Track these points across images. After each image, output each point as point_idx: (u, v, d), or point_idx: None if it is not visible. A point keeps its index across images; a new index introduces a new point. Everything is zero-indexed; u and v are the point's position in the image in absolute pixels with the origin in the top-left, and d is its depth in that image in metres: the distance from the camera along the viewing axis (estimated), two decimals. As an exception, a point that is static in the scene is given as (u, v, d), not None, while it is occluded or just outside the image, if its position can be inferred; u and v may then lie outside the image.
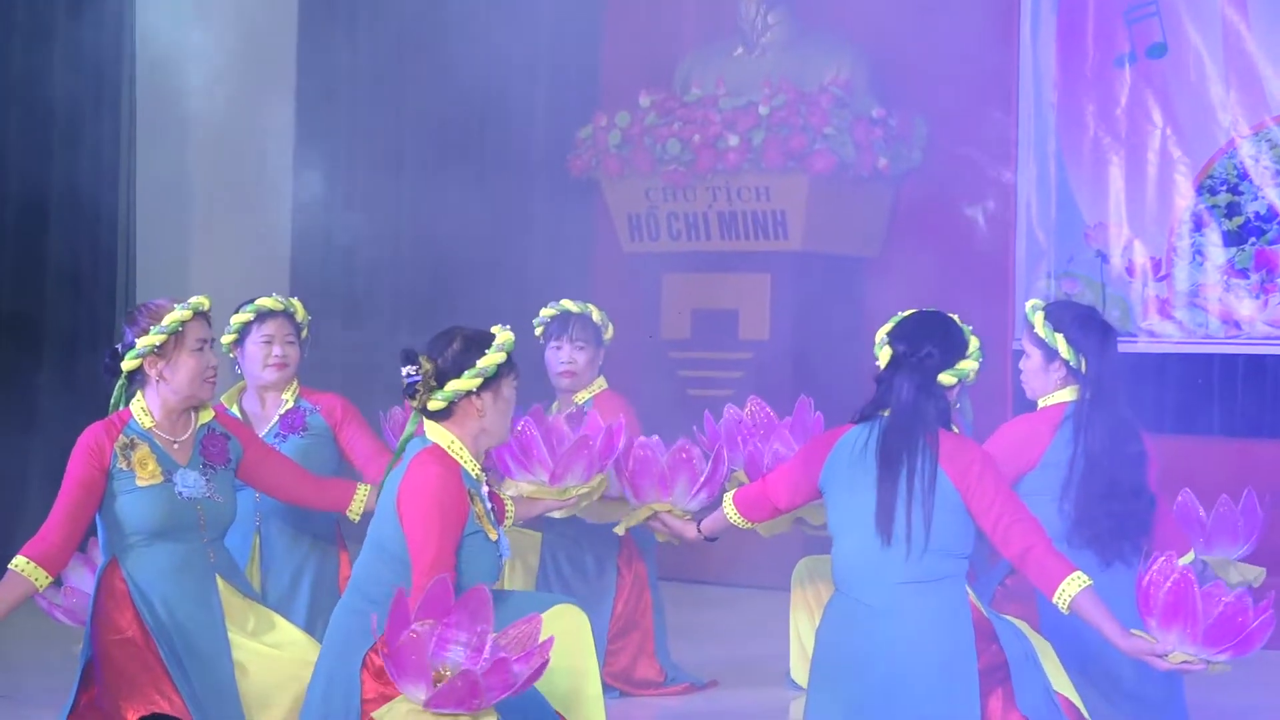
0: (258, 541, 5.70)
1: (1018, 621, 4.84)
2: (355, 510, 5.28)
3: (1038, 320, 5.35)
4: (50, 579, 4.84)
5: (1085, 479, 5.22)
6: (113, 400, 5.06)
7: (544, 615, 4.39)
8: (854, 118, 8.74)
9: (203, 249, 9.19)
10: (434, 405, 4.58)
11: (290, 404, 5.74)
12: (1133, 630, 4.48)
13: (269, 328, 5.74)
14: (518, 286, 9.07)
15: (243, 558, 5.62)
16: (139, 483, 4.88)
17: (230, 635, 4.92)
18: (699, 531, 5.37)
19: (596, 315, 6.36)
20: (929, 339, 4.77)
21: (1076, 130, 8.43)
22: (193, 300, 4.99)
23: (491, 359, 4.57)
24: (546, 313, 6.38)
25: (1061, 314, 5.39)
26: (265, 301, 5.73)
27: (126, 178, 8.67)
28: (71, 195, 8.52)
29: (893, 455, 4.66)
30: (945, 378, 4.77)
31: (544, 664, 4.06)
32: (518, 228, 9.41)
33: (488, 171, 9.55)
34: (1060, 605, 4.58)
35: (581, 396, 6.36)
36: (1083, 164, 8.43)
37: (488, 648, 4.03)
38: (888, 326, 4.85)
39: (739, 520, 5.14)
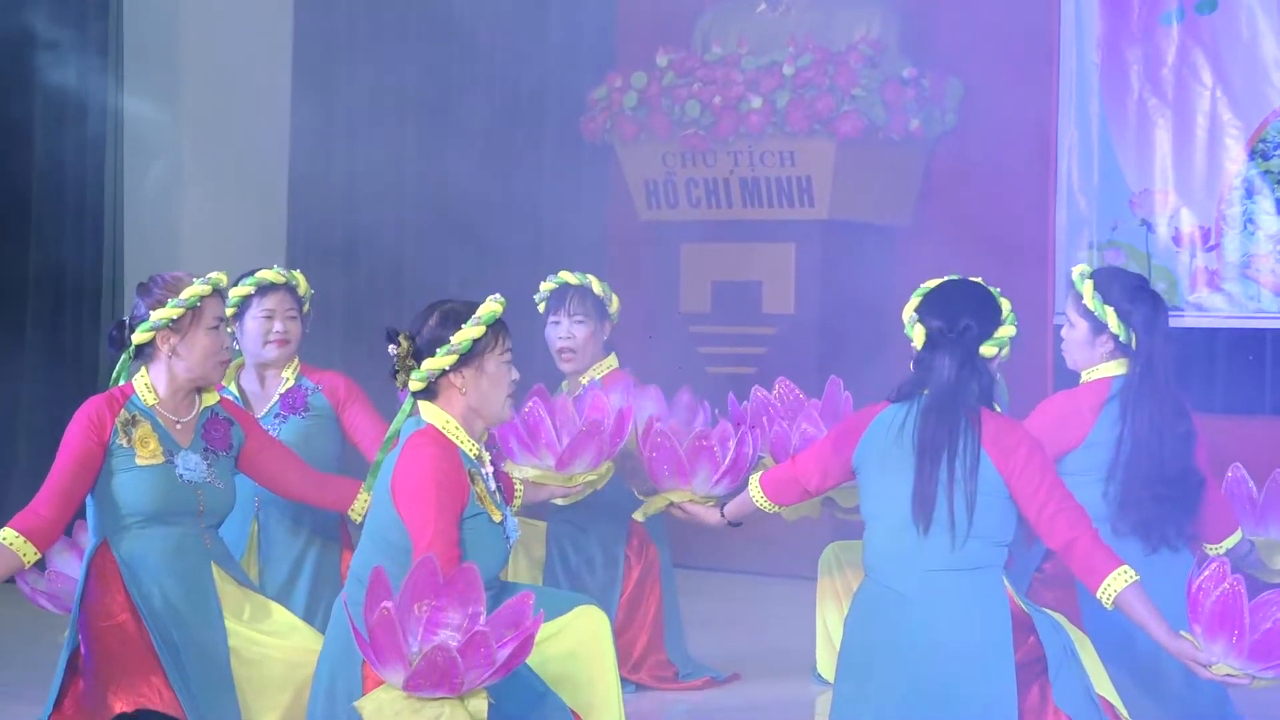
0: (255, 529, 5.64)
1: (1056, 615, 4.73)
2: (358, 510, 5.13)
3: (1086, 289, 5.24)
4: (38, 555, 4.74)
5: (1131, 461, 5.15)
6: (115, 373, 4.98)
7: (565, 617, 4.46)
8: (884, 78, 8.67)
9: (194, 206, 9.03)
10: (415, 385, 4.51)
11: (291, 382, 5.67)
12: (1180, 632, 4.40)
13: (270, 302, 5.63)
14: (528, 256, 9.04)
15: (240, 547, 5.55)
16: (139, 461, 4.81)
17: (227, 623, 4.83)
18: (722, 516, 5.27)
19: (598, 287, 6.26)
20: (964, 311, 4.66)
21: (1121, 91, 8.35)
22: (213, 276, 4.91)
23: (466, 334, 4.49)
24: (546, 287, 6.31)
25: (1110, 283, 5.28)
26: (266, 274, 5.65)
27: (114, 128, 8.59)
28: (56, 149, 8.48)
29: (932, 437, 4.55)
30: (986, 349, 4.65)
31: (530, 643, 3.96)
32: (528, 195, 9.44)
33: (496, 135, 9.61)
34: (1104, 601, 4.49)
35: (589, 377, 6.26)
36: (1127, 127, 8.36)
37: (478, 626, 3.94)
38: (914, 303, 4.73)
39: (766, 504, 5.03)
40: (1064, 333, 5.35)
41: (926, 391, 4.60)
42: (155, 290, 4.88)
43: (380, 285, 9.60)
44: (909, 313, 4.70)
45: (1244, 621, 4.25)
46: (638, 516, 5.57)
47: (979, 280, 4.82)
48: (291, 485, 5.08)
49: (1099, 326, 5.22)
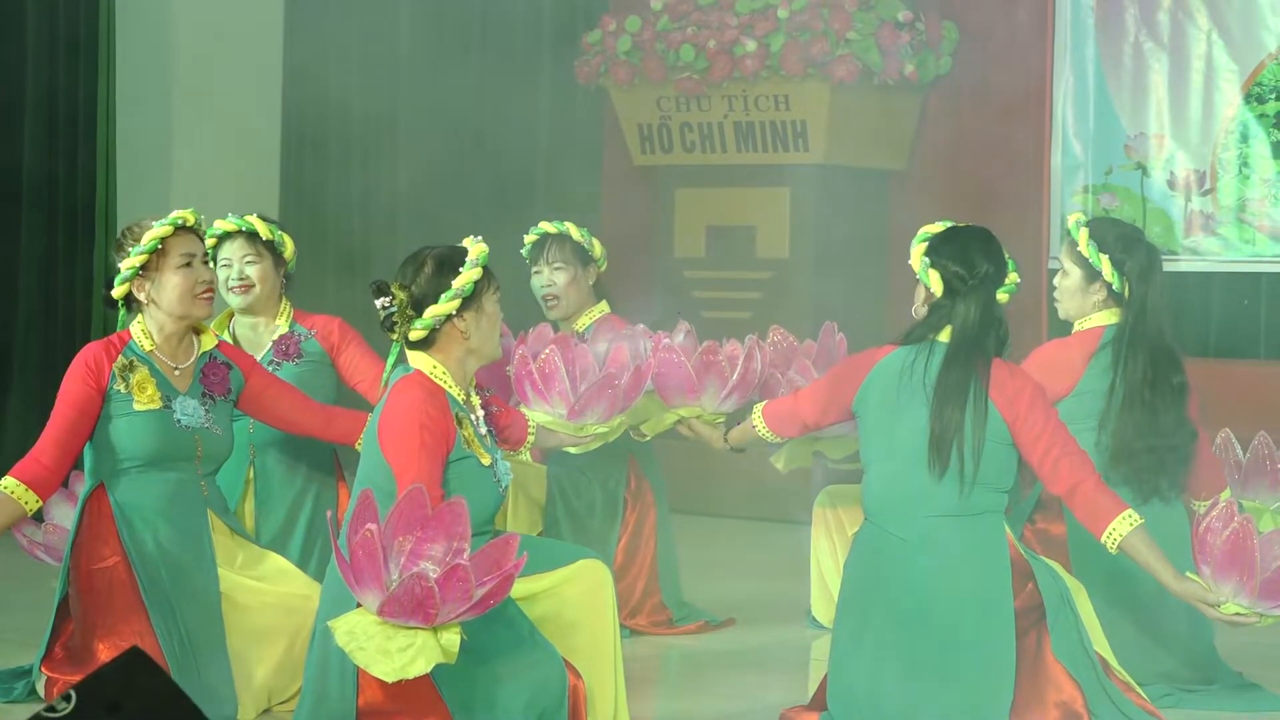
0: (252, 475, 5.57)
1: (1053, 563, 4.70)
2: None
3: (1082, 237, 5.20)
4: (40, 503, 4.73)
5: (1124, 410, 5.12)
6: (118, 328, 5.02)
7: (566, 569, 4.41)
8: (879, 22, 8.60)
9: (185, 151, 8.95)
10: (415, 335, 4.46)
11: (284, 329, 5.61)
12: (1186, 573, 4.39)
13: (226, 250, 5.57)
14: (523, 201, 9.00)
15: (235, 493, 5.49)
16: (137, 406, 4.79)
17: (219, 570, 4.81)
18: (726, 441, 5.27)
19: (576, 233, 6.20)
20: (982, 256, 4.60)
21: (1116, 35, 8.32)
22: (173, 215, 4.88)
23: (467, 276, 4.43)
24: (528, 240, 6.26)
25: (1105, 232, 5.24)
26: (220, 224, 5.59)
27: (107, 65, 8.49)
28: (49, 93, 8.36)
29: (956, 383, 4.50)
30: (1000, 296, 4.65)
31: (508, 582, 3.93)
32: (522, 139, 9.23)
33: (490, 80, 9.45)
34: (1109, 545, 4.47)
35: (582, 322, 6.21)
36: (1123, 71, 8.33)
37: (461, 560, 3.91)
38: (921, 248, 4.65)
39: (767, 433, 5.02)
40: (1057, 280, 5.31)
41: (940, 337, 4.55)
42: (125, 244, 4.86)
43: (374, 236, 9.56)
44: (919, 258, 4.63)
45: (1254, 560, 4.24)
46: (646, 432, 5.53)
47: (982, 227, 4.77)
48: (298, 421, 5.04)
49: (1093, 274, 5.18)
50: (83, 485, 4.92)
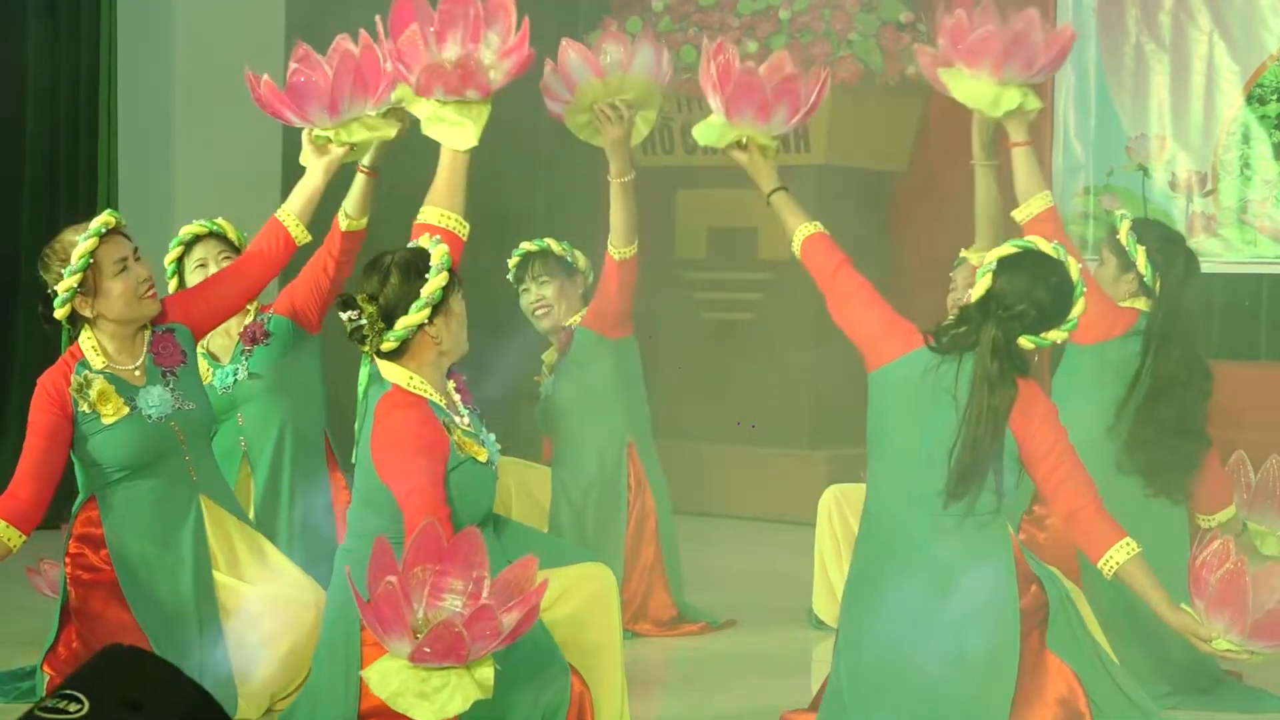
0: (247, 465, 5.54)
1: (1052, 569, 4.71)
2: (299, 235, 5.18)
3: (1124, 228, 5.24)
4: (23, 538, 4.64)
5: (1148, 402, 5.12)
6: (64, 345, 4.96)
7: (570, 571, 4.39)
8: (881, 23, 8.64)
9: (187, 147, 8.93)
10: (387, 346, 4.41)
11: (251, 316, 5.60)
12: (1180, 605, 4.38)
13: (199, 252, 5.59)
14: (524, 203, 8.90)
15: (232, 478, 5.43)
16: (105, 420, 4.74)
17: (217, 574, 4.81)
18: (768, 198, 4.99)
19: (557, 247, 6.29)
20: (1038, 293, 4.46)
21: (1117, 36, 8.34)
22: (94, 224, 4.75)
23: (435, 283, 4.38)
24: (511, 263, 6.34)
25: (1148, 230, 5.30)
26: (189, 228, 5.63)
27: (108, 45, 8.45)
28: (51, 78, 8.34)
29: (990, 410, 4.43)
30: (1025, 342, 4.47)
31: (535, 611, 3.91)
32: (523, 141, 9.16)
33: None
34: (1105, 571, 4.43)
35: (574, 322, 6.27)
36: (1124, 72, 8.36)
37: (483, 593, 3.90)
38: (1000, 251, 4.52)
39: (795, 252, 4.93)
40: (1092, 270, 5.25)
41: (971, 358, 4.48)
42: (52, 264, 4.76)
43: (375, 237, 9.53)
44: (988, 258, 4.51)
45: (1247, 601, 4.23)
46: (706, 139, 5.08)
47: (1070, 264, 4.53)
48: (238, 288, 5.02)
49: (1127, 264, 5.21)
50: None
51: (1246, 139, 8.04)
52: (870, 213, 8.67)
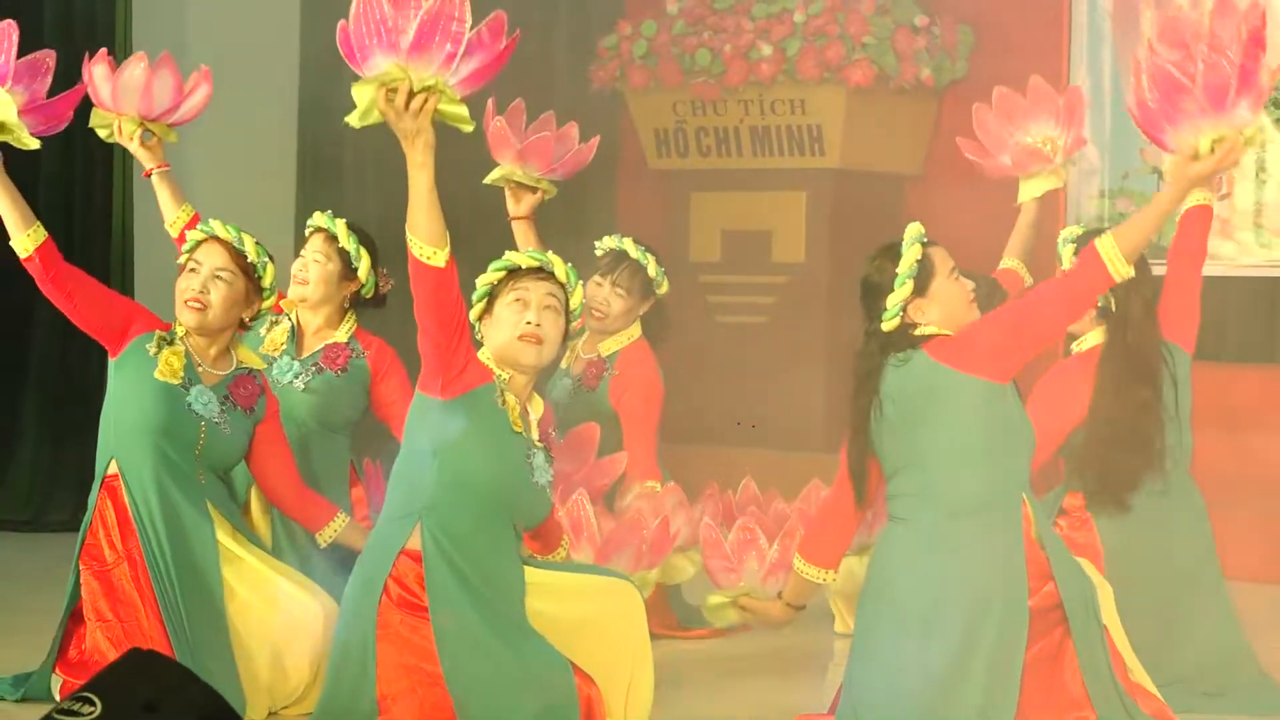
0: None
1: (1083, 560, 4.69)
2: (325, 536, 5.08)
3: (1066, 255, 5.24)
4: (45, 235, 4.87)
5: (1091, 419, 5.13)
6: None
7: (595, 579, 4.51)
8: (895, 26, 8.58)
9: (203, 161, 8.94)
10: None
11: (342, 339, 5.58)
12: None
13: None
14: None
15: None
16: (156, 374, 4.80)
17: (224, 571, 4.82)
18: (786, 606, 4.86)
19: (653, 269, 6.26)
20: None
21: (1133, 38, 8.24)
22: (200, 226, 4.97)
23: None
24: (608, 242, 6.33)
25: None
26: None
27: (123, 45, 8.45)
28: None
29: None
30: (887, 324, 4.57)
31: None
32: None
33: (504, 85, 9.21)
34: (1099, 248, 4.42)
35: (609, 346, 6.30)
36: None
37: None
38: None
39: (818, 574, 4.70)
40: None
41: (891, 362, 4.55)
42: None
43: (393, 244, 9.53)
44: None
45: (1181, 84, 4.18)
46: (717, 623, 5.23)
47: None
48: (275, 486, 5.03)
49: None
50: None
51: (1261, 143, 8.00)
52: (885, 216, 8.58)
